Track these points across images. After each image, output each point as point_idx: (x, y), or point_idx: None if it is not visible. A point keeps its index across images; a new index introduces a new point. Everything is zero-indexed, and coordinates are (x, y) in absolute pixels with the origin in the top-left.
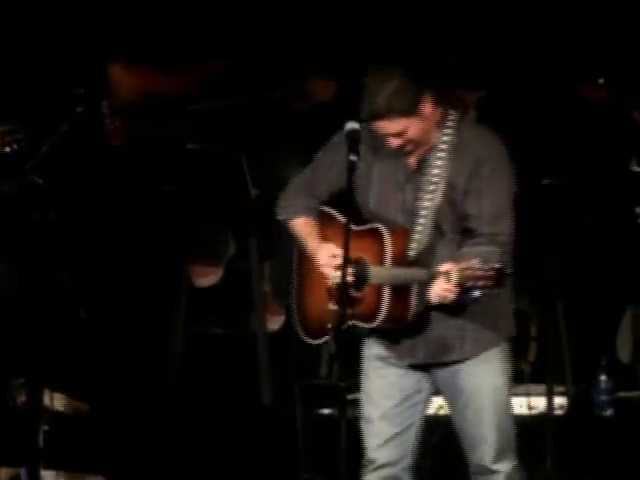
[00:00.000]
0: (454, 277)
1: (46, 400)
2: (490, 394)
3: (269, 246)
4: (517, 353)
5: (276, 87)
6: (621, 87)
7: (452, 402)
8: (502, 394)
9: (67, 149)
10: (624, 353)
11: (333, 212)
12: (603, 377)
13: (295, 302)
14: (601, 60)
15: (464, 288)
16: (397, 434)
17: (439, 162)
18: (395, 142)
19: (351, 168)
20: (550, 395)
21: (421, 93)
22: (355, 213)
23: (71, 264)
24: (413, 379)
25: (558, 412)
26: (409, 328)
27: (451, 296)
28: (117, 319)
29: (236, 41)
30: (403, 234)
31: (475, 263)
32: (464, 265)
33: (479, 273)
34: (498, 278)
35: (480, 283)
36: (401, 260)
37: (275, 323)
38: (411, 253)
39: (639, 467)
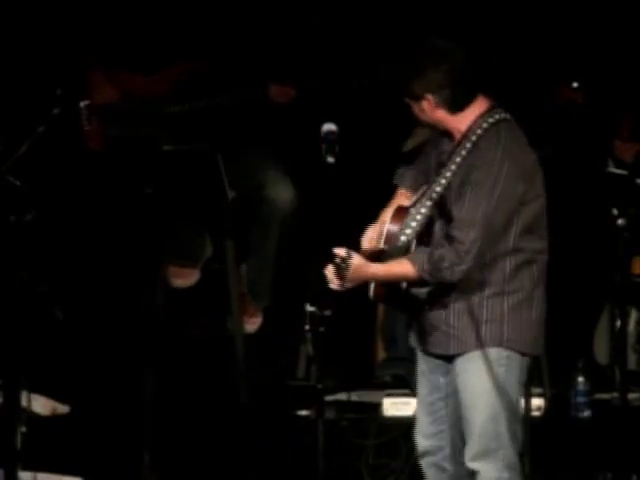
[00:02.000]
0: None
1: (24, 402)
2: (473, 395)
3: (246, 248)
4: None
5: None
6: (595, 90)
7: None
8: (487, 397)
9: (45, 151)
10: (601, 355)
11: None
12: (580, 379)
13: None
14: (576, 63)
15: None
16: (431, 423)
17: (458, 159)
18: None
19: (329, 170)
20: (527, 397)
21: (426, 91)
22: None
23: (47, 266)
24: (440, 370)
25: (535, 414)
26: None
27: (334, 282)
28: (94, 320)
29: (209, 43)
30: (402, 216)
31: (340, 253)
32: (336, 252)
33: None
34: (337, 273)
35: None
36: (390, 241)
37: (252, 325)
38: (402, 238)
39: (616, 468)
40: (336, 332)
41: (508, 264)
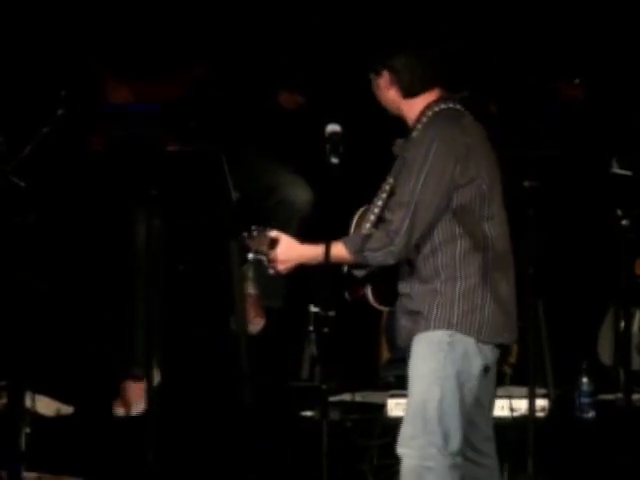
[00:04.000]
0: None
1: (28, 402)
2: (411, 378)
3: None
4: (499, 356)
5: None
6: (597, 87)
7: None
8: (424, 380)
9: (49, 152)
10: (605, 356)
11: None
12: (584, 380)
13: None
14: (578, 60)
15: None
16: None
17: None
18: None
19: (333, 170)
20: (532, 397)
21: (385, 67)
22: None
23: (51, 267)
24: None
25: (539, 414)
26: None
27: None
28: (97, 321)
29: (216, 49)
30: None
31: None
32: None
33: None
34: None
35: None
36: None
37: (256, 326)
38: (363, 232)
39: (620, 469)
40: (340, 333)
41: (458, 248)
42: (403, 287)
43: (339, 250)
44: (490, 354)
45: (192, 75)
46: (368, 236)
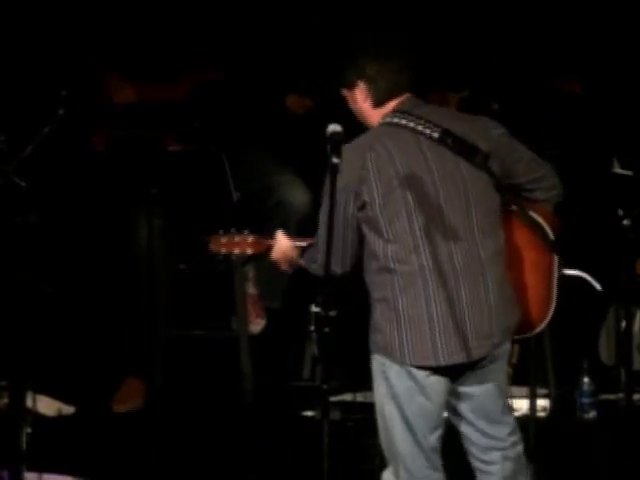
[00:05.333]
0: None
1: (29, 402)
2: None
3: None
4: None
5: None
6: (597, 86)
7: None
8: (378, 405)
9: (50, 151)
10: (606, 355)
11: None
12: (585, 379)
13: None
14: (578, 59)
15: None
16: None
17: None
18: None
19: (334, 170)
20: (533, 397)
21: (359, 77)
22: None
23: (52, 267)
24: None
25: (541, 414)
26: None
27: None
28: (99, 321)
29: (225, 52)
30: None
31: None
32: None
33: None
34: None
35: None
36: None
37: (257, 326)
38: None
39: (621, 469)
40: (341, 333)
41: (372, 269)
42: None
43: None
44: (427, 379)
45: (198, 77)
46: (311, 246)
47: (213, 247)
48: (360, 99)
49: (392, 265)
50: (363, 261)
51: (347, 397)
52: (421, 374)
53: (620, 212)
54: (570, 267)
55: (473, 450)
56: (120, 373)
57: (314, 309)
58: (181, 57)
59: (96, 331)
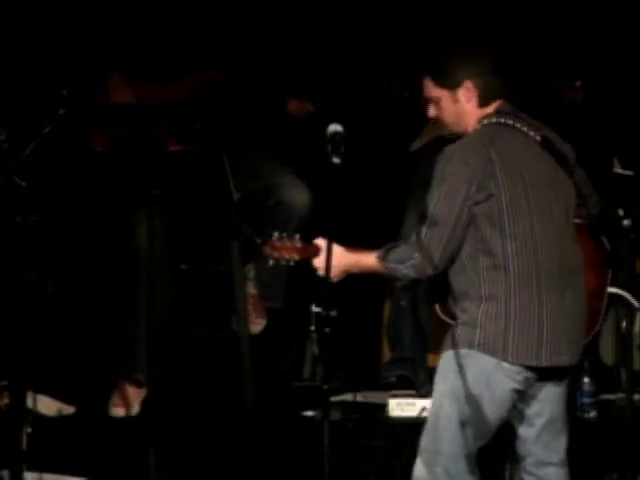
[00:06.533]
0: None
1: (29, 402)
2: (434, 393)
3: (252, 249)
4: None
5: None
6: (597, 87)
7: None
8: (437, 399)
9: (50, 151)
10: (607, 355)
11: None
12: (586, 379)
13: None
14: (579, 60)
15: None
16: None
17: None
18: (431, 111)
19: (335, 171)
20: None
21: (467, 77)
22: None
23: (54, 267)
24: None
25: None
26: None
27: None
28: (100, 321)
29: (227, 53)
30: None
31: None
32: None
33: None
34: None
35: None
36: None
37: (257, 326)
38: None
39: (622, 469)
40: (342, 333)
41: (480, 266)
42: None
43: (371, 259)
44: (519, 377)
45: (198, 77)
46: (396, 247)
47: (267, 250)
48: (464, 98)
49: (509, 263)
50: (461, 259)
51: (347, 397)
52: (513, 372)
53: (621, 212)
54: None
55: (526, 462)
56: (118, 375)
57: (314, 309)
58: (182, 58)
59: (96, 331)
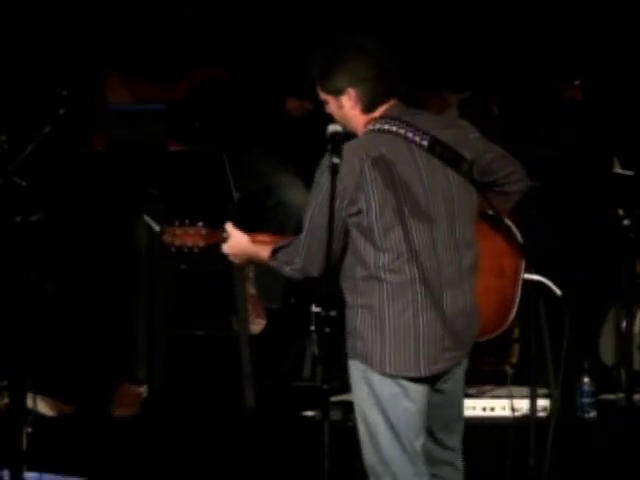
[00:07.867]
0: None
1: (29, 403)
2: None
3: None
4: (500, 355)
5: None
6: (597, 87)
7: None
8: (359, 412)
9: (50, 151)
10: (607, 355)
11: None
12: (586, 380)
13: None
14: (578, 60)
15: None
16: None
17: None
18: (326, 108)
19: (334, 170)
20: (533, 397)
21: (349, 85)
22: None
23: (54, 267)
24: None
25: (541, 414)
26: None
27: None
28: (100, 321)
29: (227, 53)
30: None
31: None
32: None
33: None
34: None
35: None
36: None
37: (257, 326)
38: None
39: (621, 469)
40: (342, 333)
41: (357, 276)
42: None
43: (266, 252)
44: (410, 383)
45: (198, 77)
46: (285, 247)
47: (167, 238)
48: (348, 105)
49: (382, 274)
50: (343, 266)
51: (348, 397)
52: (403, 382)
53: (621, 212)
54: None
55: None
56: (118, 375)
57: (314, 309)
58: (182, 58)
59: (96, 331)
